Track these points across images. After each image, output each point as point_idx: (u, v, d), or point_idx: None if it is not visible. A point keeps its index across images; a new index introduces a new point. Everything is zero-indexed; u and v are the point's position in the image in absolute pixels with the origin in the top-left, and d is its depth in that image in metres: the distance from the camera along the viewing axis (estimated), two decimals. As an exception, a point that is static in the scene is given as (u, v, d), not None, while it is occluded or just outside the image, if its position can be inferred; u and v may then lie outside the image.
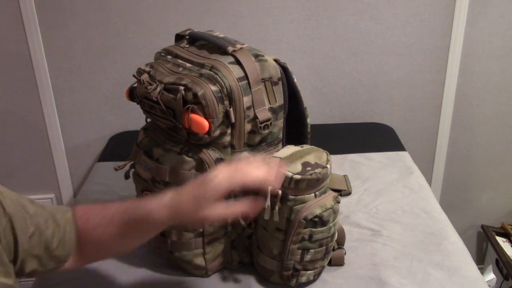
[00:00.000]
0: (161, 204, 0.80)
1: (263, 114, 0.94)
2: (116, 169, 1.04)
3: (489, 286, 1.79)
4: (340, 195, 1.29)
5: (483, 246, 2.01)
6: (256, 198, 0.78)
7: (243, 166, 0.81)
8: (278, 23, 1.62)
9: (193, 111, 0.89)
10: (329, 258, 1.04)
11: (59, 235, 0.80)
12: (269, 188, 0.92)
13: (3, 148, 1.72)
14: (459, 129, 1.81)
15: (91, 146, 1.75)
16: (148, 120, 1.04)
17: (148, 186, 0.99)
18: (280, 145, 1.02)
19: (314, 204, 0.94)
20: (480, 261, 2.00)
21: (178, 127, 0.92)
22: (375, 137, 1.67)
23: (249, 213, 0.80)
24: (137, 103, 1.00)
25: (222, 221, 0.80)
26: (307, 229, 0.94)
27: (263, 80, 0.94)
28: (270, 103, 0.95)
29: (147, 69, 0.98)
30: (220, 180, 0.77)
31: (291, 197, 0.93)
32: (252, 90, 0.92)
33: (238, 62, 0.92)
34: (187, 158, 0.94)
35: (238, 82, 0.91)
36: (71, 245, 0.82)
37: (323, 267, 1.03)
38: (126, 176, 1.07)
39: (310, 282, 1.02)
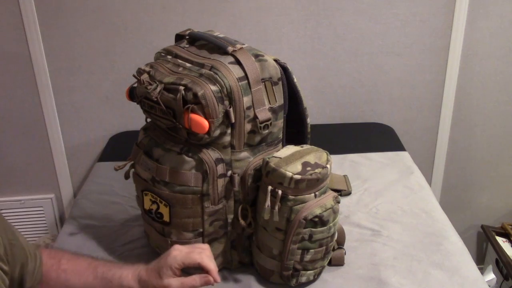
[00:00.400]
0: (132, 271, 0.89)
1: (263, 114, 0.94)
2: (116, 169, 1.04)
3: (489, 286, 1.79)
4: (340, 195, 1.29)
5: (483, 246, 2.01)
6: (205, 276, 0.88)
7: (199, 248, 0.91)
8: (278, 23, 1.62)
9: (193, 111, 0.89)
10: (329, 258, 1.04)
11: (31, 266, 0.85)
12: (269, 187, 0.93)
13: (3, 148, 1.72)
14: (459, 129, 1.81)
15: (91, 146, 1.75)
16: (148, 120, 1.04)
17: (148, 186, 0.99)
18: (280, 145, 1.02)
19: (314, 204, 0.94)
20: (480, 261, 2.00)
21: (178, 127, 0.92)
22: (375, 137, 1.67)
23: (206, 284, 0.88)
24: (137, 103, 1.00)
25: None
26: (307, 229, 0.94)
27: (263, 80, 0.94)
28: (270, 103, 0.95)
29: (147, 69, 0.98)
30: (176, 254, 0.88)
31: (291, 197, 0.93)
32: (252, 90, 0.92)
33: (238, 62, 0.92)
34: (187, 158, 0.94)
35: (238, 82, 0.91)
36: (37, 279, 0.87)
37: (323, 267, 1.03)
38: (126, 176, 1.07)
39: (310, 282, 1.02)
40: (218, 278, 0.89)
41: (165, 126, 0.97)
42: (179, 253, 0.88)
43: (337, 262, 1.07)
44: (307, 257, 0.97)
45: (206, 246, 0.92)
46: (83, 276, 0.89)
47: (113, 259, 1.10)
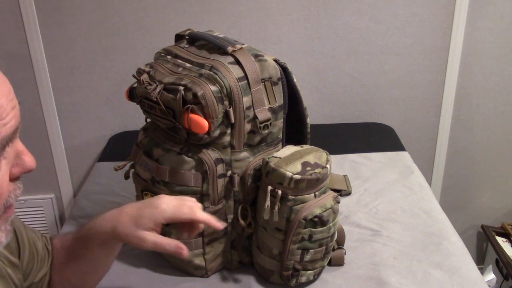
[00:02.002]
0: (104, 217, 0.81)
1: (263, 114, 0.94)
2: (116, 169, 1.04)
3: (489, 286, 1.79)
4: (340, 195, 1.29)
5: (483, 246, 2.01)
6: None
7: (189, 201, 0.82)
8: (278, 23, 1.62)
9: (192, 111, 0.89)
10: (329, 258, 1.04)
11: (48, 262, 0.85)
12: (269, 187, 0.92)
13: (3, 148, 1.72)
14: (459, 129, 1.81)
15: (91, 146, 1.75)
16: (148, 120, 1.04)
17: (148, 186, 0.99)
18: (280, 145, 1.02)
19: (314, 204, 0.94)
20: (480, 261, 2.00)
21: (178, 127, 0.92)
22: (375, 137, 1.67)
23: (176, 254, 0.79)
24: (137, 103, 1.00)
25: (153, 249, 0.81)
26: (307, 229, 0.94)
27: (263, 80, 0.94)
28: (269, 103, 0.95)
29: (147, 69, 0.98)
30: (166, 207, 0.79)
31: (291, 197, 0.93)
32: (252, 90, 0.92)
33: (237, 62, 0.92)
34: (187, 158, 0.94)
35: (237, 82, 0.91)
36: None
37: (323, 267, 1.03)
38: (126, 176, 1.07)
39: (310, 282, 1.02)
40: (219, 225, 0.82)
41: (165, 126, 0.97)
42: (167, 207, 0.79)
43: (337, 262, 1.07)
44: (307, 257, 0.97)
45: (193, 199, 0.84)
46: (67, 246, 0.86)
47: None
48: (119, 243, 0.84)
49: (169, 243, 0.78)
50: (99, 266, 0.87)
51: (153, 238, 0.78)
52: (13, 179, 0.59)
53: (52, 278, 0.87)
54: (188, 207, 0.81)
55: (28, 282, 0.81)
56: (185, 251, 0.79)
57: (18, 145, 0.60)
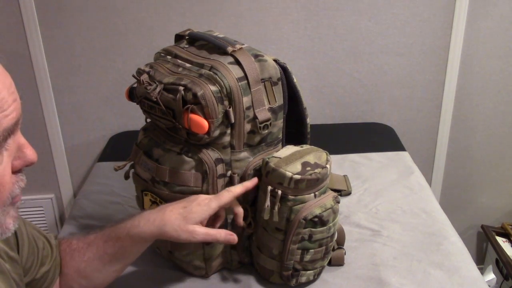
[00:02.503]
0: (146, 218, 0.86)
1: (263, 114, 0.94)
2: (116, 169, 1.04)
3: (489, 286, 1.79)
4: (340, 195, 1.29)
5: (483, 246, 2.01)
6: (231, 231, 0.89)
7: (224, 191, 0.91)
8: (278, 23, 1.62)
9: (192, 111, 0.89)
10: (329, 258, 1.04)
11: (52, 257, 0.86)
12: (269, 188, 0.93)
13: (3, 148, 1.72)
14: (459, 129, 1.81)
15: (91, 146, 1.75)
16: (148, 120, 1.04)
17: (148, 186, 0.99)
18: (280, 145, 1.02)
19: (314, 204, 0.94)
20: (480, 261, 2.00)
21: (178, 127, 0.92)
22: (375, 137, 1.67)
23: (228, 241, 0.88)
24: (137, 103, 1.00)
25: (205, 241, 0.88)
26: (307, 229, 0.94)
27: (263, 80, 0.94)
28: (269, 103, 0.95)
29: (147, 69, 0.98)
30: (209, 202, 0.87)
31: (290, 197, 0.93)
32: (252, 90, 0.92)
33: (237, 62, 0.92)
34: (186, 158, 0.94)
35: (237, 82, 0.91)
36: (56, 271, 0.88)
37: (323, 267, 1.03)
38: (126, 176, 1.07)
39: (310, 282, 1.02)
40: (252, 183, 0.93)
41: (164, 126, 0.97)
42: (210, 200, 0.87)
43: (337, 262, 1.07)
44: (307, 257, 0.97)
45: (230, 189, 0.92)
46: (93, 246, 0.87)
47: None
48: (152, 241, 0.88)
49: (219, 232, 0.87)
50: (126, 264, 0.91)
51: (204, 230, 0.85)
52: (15, 171, 0.61)
53: (67, 275, 0.88)
54: (225, 190, 0.90)
55: (29, 277, 0.81)
56: (235, 237, 0.88)
57: (20, 138, 0.62)
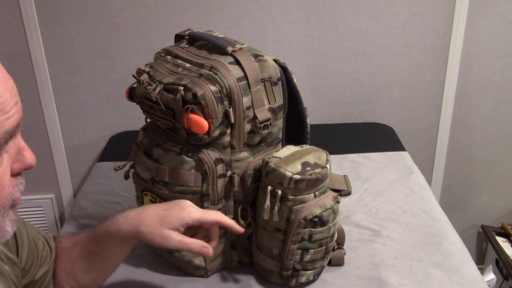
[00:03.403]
0: (125, 216, 0.83)
1: (263, 114, 0.94)
2: (116, 169, 1.04)
3: (489, 286, 1.79)
4: (340, 195, 1.29)
5: (483, 246, 2.01)
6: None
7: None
8: (278, 23, 1.62)
9: (192, 111, 0.89)
10: (329, 258, 1.04)
11: (51, 258, 0.86)
12: (269, 188, 0.93)
13: (3, 148, 1.72)
14: (459, 129, 1.81)
15: (91, 146, 1.75)
16: (148, 120, 1.04)
17: (148, 186, 0.99)
18: (280, 145, 1.02)
19: (314, 204, 0.94)
20: (480, 261, 2.00)
21: (178, 127, 0.92)
22: (375, 137, 1.67)
23: (201, 253, 0.83)
24: (137, 103, 1.00)
25: (177, 249, 0.85)
26: (307, 229, 0.94)
27: (263, 80, 0.94)
28: (269, 103, 0.95)
29: (147, 69, 0.98)
30: (193, 210, 0.83)
31: (290, 197, 0.93)
32: (252, 90, 0.92)
33: (237, 62, 0.92)
34: (186, 158, 0.94)
35: (237, 82, 0.91)
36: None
37: (323, 267, 1.03)
38: (126, 176, 1.07)
39: (310, 282, 1.02)
40: (240, 229, 0.86)
41: (164, 126, 0.97)
42: (194, 209, 0.83)
43: (337, 262, 1.07)
44: (307, 257, 0.97)
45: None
46: (78, 246, 0.87)
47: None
48: (134, 243, 0.85)
49: (194, 242, 0.81)
50: (110, 265, 0.89)
51: (179, 237, 0.80)
52: (14, 174, 0.62)
53: (57, 276, 0.87)
54: (214, 211, 0.85)
55: (27, 279, 0.81)
56: (210, 250, 0.82)
57: (20, 141, 0.62)
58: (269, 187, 0.93)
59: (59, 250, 0.89)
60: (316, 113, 1.75)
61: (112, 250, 0.86)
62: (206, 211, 0.85)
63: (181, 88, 0.89)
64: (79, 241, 0.88)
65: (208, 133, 0.89)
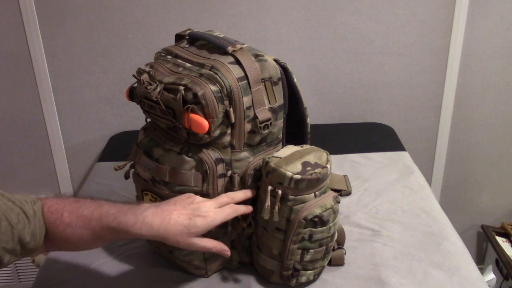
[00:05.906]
0: (146, 223, 0.85)
1: (263, 114, 0.94)
2: (116, 169, 1.04)
3: (489, 286, 1.79)
4: (340, 195, 1.29)
5: (483, 246, 2.01)
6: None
7: (224, 198, 0.93)
8: (278, 23, 1.62)
9: (193, 111, 0.89)
10: (329, 258, 1.04)
11: (29, 229, 0.82)
12: (269, 187, 0.93)
13: (3, 148, 1.72)
14: (459, 129, 1.81)
15: (91, 146, 1.75)
16: (148, 120, 1.04)
17: (148, 186, 0.99)
18: (280, 145, 1.02)
19: (314, 204, 0.94)
20: (480, 261, 2.00)
21: (178, 127, 0.92)
22: (375, 137, 1.67)
23: (221, 254, 0.92)
24: (137, 103, 1.00)
25: (202, 250, 0.92)
26: (307, 229, 0.94)
27: (263, 80, 0.94)
28: (270, 103, 0.95)
29: (147, 69, 0.98)
30: (214, 215, 0.89)
31: (291, 197, 0.93)
32: (252, 90, 0.92)
33: (238, 62, 0.92)
34: (187, 158, 0.94)
35: (238, 82, 0.91)
36: (41, 237, 0.84)
37: (323, 267, 1.03)
38: (126, 176, 1.07)
39: (310, 282, 1.02)
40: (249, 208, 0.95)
41: (165, 126, 0.97)
42: (215, 214, 0.89)
43: (337, 262, 1.07)
44: (307, 257, 0.97)
45: (225, 194, 0.94)
46: (89, 228, 0.86)
47: (113, 258, 1.10)
48: None
49: (215, 245, 0.90)
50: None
51: (203, 243, 0.88)
52: None
53: (50, 240, 0.86)
54: (229, 206, 0.92)
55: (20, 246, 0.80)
56: (228, 252, 0.92)
57: None
58: (270, 187, 0.93)
59: (62, 225, 0.86)
60: (316, 113, 1.75)
61: (126, 238, 0.90)
62: (223, 210, 0.90)
63: (181, 88, 0.89)
64: (87, 222, 0.86)
65: (208, 133, 0.89)
